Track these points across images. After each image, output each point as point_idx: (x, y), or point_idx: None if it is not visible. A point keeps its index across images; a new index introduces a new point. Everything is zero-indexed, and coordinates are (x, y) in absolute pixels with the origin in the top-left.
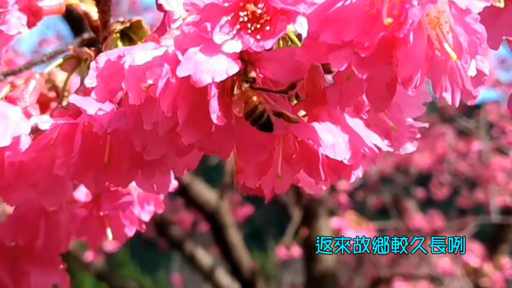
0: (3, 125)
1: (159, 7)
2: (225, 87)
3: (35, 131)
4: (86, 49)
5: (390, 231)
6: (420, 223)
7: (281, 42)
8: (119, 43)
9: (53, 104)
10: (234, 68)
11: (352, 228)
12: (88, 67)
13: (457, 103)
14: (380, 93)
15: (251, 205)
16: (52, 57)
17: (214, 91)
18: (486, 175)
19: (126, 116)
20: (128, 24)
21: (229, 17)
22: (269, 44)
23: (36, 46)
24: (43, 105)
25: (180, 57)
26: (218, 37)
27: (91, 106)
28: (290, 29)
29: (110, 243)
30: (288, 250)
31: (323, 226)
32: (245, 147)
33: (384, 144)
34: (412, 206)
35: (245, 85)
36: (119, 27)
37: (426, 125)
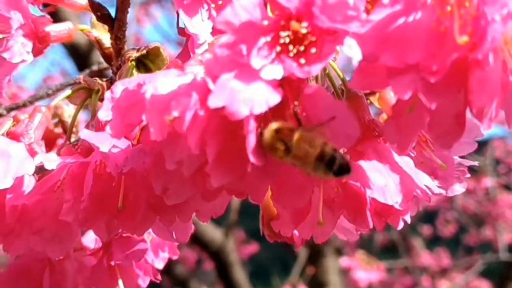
0: (4, 164)
1: (181, 32)
2: (263, 120)
3: (40, 171)
4: (97, 80)
5: (399, 269)
6: (427, 261)
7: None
8: (135, 73)
9: (60, 141)
10: (275, 97)
11: (362, 267)
12: (100, 99)
13: None
14: (447, 127)
15: (256, 243)
16: (59, 89)
17: (252, 125)
18: (493, 212)
19: (145, 154)
20: (144, 51)
21: (268, 38)
22: (316, 69)
23: (40, 83)
24: (49, 141)
25: (211, 85)
26: (256, 61)
27: (105, 142)
28: None
29: None
30: None
31: (330, 264)
32: (283, 189)
33: (435, 185)
34: (418, 244)
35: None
36: (134, 54)
37: (477, 163)
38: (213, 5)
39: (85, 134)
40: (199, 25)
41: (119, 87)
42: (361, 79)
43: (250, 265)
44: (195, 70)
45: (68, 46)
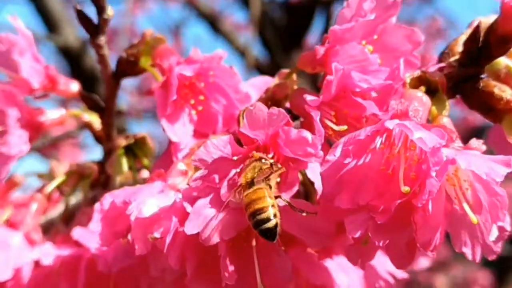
0: (4, 256)
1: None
2: (236, 239)
3: None
4: (89, 164)
5: None
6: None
7: None
8: (124, 160)
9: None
10: (243, 223)
11: None
12: (91, 184)
13: (478, 259)
14: (400, 253)
15: None
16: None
17: (223, 249)
18: None
19: (131, 257)
20: (132, 140)
21: (238, 169)
22: (286, 197)
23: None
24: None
25: (189, 208)
26: (225, 192)
27: (95, 240)
28: None
29: None
30: None
31: None
32: None
33: (399, 272)
34: None
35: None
36: (123, 143)
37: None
38: (193, 111)
39: (77, 233)
40: (180, 131)
41: (107, 199)
42: (323, 214)
43: None
44: (176, 182)
45: (61, 49)
